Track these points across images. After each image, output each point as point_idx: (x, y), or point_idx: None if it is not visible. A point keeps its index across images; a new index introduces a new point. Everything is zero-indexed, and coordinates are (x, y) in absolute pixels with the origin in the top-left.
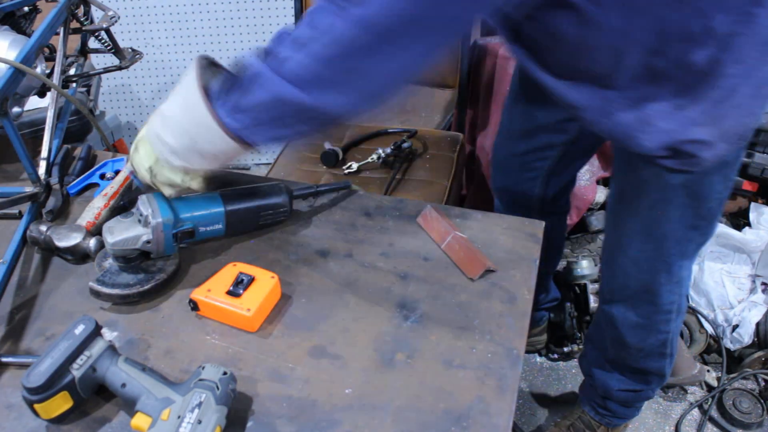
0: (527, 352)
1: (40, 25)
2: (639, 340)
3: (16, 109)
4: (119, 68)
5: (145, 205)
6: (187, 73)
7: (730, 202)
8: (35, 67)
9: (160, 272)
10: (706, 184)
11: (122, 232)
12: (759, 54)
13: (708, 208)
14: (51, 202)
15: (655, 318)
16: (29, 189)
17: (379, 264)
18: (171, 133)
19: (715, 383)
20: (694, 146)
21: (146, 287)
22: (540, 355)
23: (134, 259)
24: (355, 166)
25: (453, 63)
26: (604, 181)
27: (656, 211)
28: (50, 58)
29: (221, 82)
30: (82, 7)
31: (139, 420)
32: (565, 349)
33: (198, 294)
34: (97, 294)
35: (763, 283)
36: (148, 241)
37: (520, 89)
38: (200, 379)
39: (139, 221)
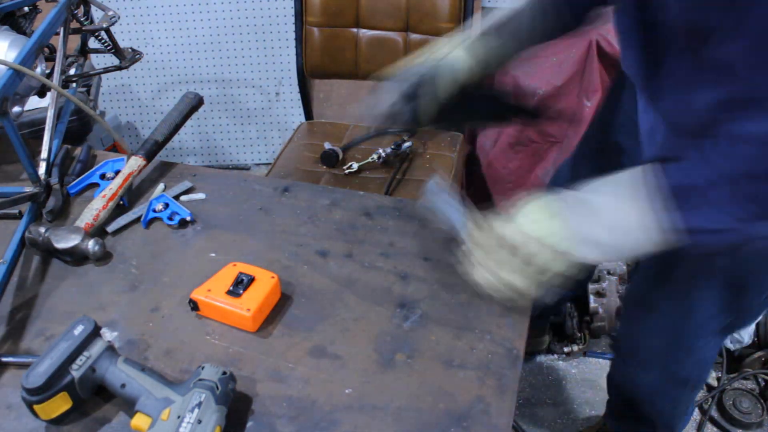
0: (528, 352)
1: (40, 25)
2: (646, 398)
3: (16, 109)
4: (119, 68)
5: None
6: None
7: None
8: (35, 68)
9: None
10: (753, 276)
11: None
12: None
13: (750, 301)
14: (51, 202)
15: (666, 385)
16: (29, 189)
17: (379, 264)
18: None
19: (715, 383)
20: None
21: None
22: (540, 354)
23: None
24: (355, 166)
25: None
26: None
27: (689, 285)
28: (50, 58)
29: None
30: (82, 7)
31: (139, 420)
32: (566, 349)
33: (198, 294)
34: None
35: None
36: None
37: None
38: (200, 379)
39: None
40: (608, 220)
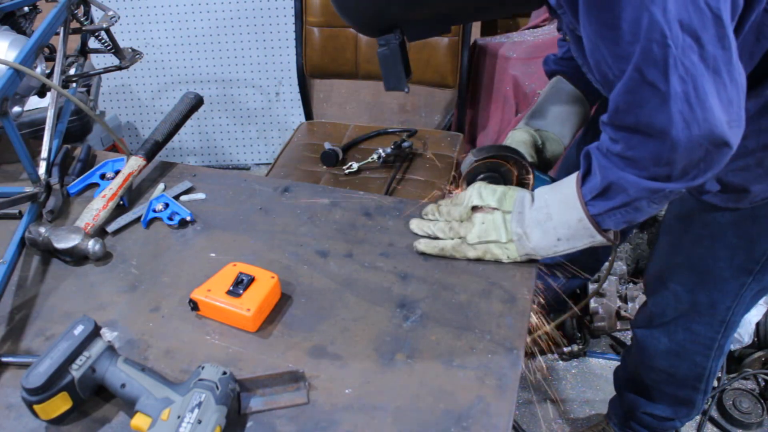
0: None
1: (40, 25)
2: (669, 366)
3: (16, 109)
4: (119, 68)
5: None
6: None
7: None
8: (35, 67)
9: None
10: (760, 225)
11: None
12: None
13: (763, 251)
14: (51, 202)
15: (689, 347)
16: (29, 189)
17: (379, 264)
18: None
19: (715, 383)
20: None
21: None
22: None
23: None
24: (355, 166)
25: (453, 63)
26: None
27: (701, 247)
28: (50, 58)
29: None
30: (82, 7)
31: (139, 420)
32: (565, 349)
33: (198, 294)
34: None
35: None
36: None
37: None
38: (200, 379)
39: None
40: (557, 218)
